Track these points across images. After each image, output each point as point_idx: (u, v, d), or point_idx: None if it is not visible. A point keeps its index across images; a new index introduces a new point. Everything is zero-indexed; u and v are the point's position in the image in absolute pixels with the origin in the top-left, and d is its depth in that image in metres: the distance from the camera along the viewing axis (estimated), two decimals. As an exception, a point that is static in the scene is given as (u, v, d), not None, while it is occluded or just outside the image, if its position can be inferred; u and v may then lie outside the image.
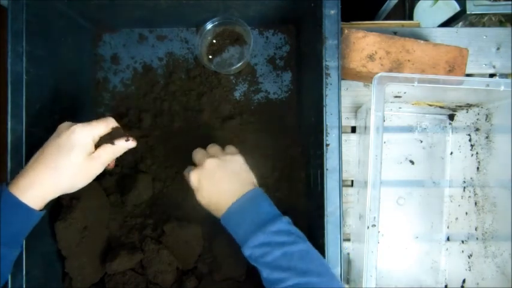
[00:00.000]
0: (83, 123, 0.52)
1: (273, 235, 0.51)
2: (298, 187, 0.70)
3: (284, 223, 0.53)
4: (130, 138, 0.55)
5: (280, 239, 0.51)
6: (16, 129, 0.55)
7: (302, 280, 0.49)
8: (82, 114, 0.71)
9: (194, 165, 0.59)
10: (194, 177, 0.56)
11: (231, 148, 0.60)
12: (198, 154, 0.59)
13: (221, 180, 0.55)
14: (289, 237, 0.52)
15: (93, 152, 0.52)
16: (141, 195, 0.67)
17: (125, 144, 0.54)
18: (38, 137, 0.57)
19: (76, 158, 0.50)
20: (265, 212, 0.54)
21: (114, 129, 0.54)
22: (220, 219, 0.55)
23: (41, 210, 0.51)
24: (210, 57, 0.74)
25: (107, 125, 0.53)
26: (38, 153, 0.51)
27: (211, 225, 0.69)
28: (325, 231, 0.55)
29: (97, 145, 0.53)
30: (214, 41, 0.74)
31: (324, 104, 0.56)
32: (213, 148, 0.59)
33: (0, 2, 0.76)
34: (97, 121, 0.53)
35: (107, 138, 0.54)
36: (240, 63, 0.70)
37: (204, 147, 0.72)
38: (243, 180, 0.56)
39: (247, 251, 0.52)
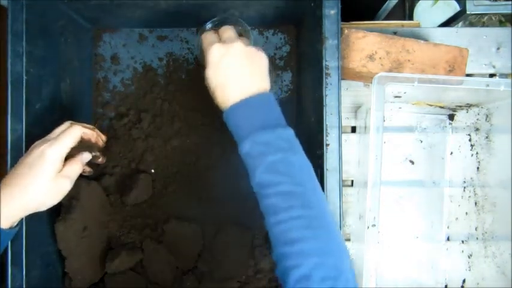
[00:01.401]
0: (51, 141, 0.52)
1: (279, 139, 0.49)
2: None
3: (291, 132, 0.50)
4: (97, 148, 0.59)
5: (285, 145, 0.49)
6: (16, 129, 0.55)
7: (298, 189, 0.47)
8: (82, 114, 0.71)
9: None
10: (217, 51, 0.52)
11: (260, 48, 0.56)
12: (227, 31, 0.55)
13: (245, 67, 0.52)
14: (294, 147, 0.50)
15: (61, 170, 0.52)
16: (141, 195, 0.67)
17: (89, 157, 0.56)
18: (38, 137, 0.57)
19: (44, 177, 0.50)
20: (277, 117, 0.51)
21: (82, 140, 0.56)
22: (226, 109, 0.51)
23: (11, 228, 0.51)
24: (210, 57, 0.74)
25: (73, 138, 0.54)
26: (8, 173, 0.51)
27: (212, 225, 0.69)
28: (325, 231, 0.55)
29: (67, 157, 0.54)
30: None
31: (324, 104, 0.56)
32: (242, 37, 0.56)
33: (0, 2, 0.76)
34: (63, 136, 0.53)
35: (75, 149, 0.55)
36: (240, 63, 0.70)
37: (204, 147, 0.71)
38: (263, 80, 0.53)
39: (247, 145, 0.48)
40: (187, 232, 0.66)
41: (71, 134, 0.54)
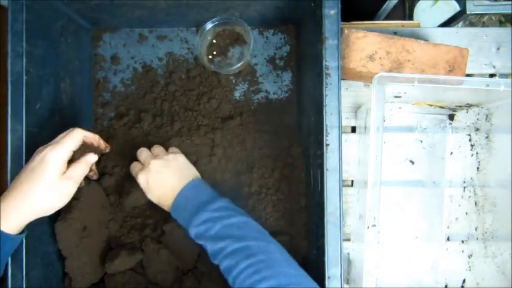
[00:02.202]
0: (52, 145, 0.53)
1: (213, 212, 0.56)
2: (298, 187, 0.70)
3: (223, 201, 0.58)
4: (101, 148, 0.62)
5: (220, 214, 0.56)
6: (16, 129, 0.55)
7: (239, 245, 0.53)
8: (82, 114, 0.71)
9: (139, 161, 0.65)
10: (142, 179, 0.61)
11: (173, 148, 0.67)
12: (142, 154, 0.64)
13: (166, 177, 0.61)
14: (228, 212, 0.57)
15: (65, 172, 0.54)
16: (139, 199, 0.67)
17: (95, 158, 0.58)
18: (38, 137, 0.57)
19: (47, 180, 0.52)
20: (206, 194, 0.59)
21: (84, 143, 0.58)
22: (170, 212, 0.60)
23: (19, 233, 0.52)
24: (210, 57, 0.74)
25: (74, 141, 0.55)
26: (14, 179, 0.53)
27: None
28: (325, 231, 0.55)
29: (70, 160, 0.55)
30: (214, 41, 0.74)
31: (324, 104, 0.56)
32: (157, 149, 0.65)
33: (0, 2, 0.76)
34: (64, 139, 0.54)
35: (78, 153, 0.56)
36: (240, 63, 0.70)
37: (204, 147, 0.72)
38: (186, 174, 0.62)
39: (193, 231, 0.56)
40: (182, 236, 0.65)
41: (72, 136, 0.55)
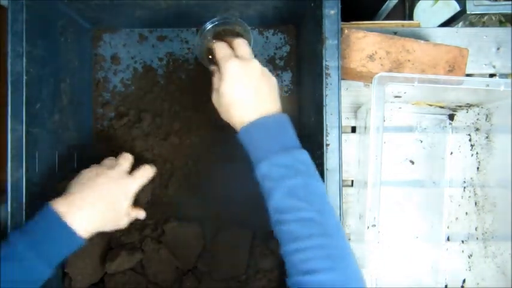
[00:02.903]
0: (133, 179, 0.59)
1: (298, 162, 0.48)
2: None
3: (308, 155, 0.50)
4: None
5: (304, 168, 0.48)
6: (16, 129, 0.55)
7: (317, 217, 0.45)
8: (82, 114, 0.71)
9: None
10: (235, 65, 0.51)
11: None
12: (243, 47, 0.55)
13: (263, 85, 0.51)
14: (312, 170, 0.49)
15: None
16: (139, 200, 0.66)
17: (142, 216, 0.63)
18: (38, 137, 0.57)
19: (126, 204, 0.57)
20: (293, 139, 0.51)
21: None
22: (242, 127, 0.50)
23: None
24: (210, 57, 0.74)
25: (147, 179, 0.60)
26: (91, 186, 0.54)
27: (211, 225, 0.69)
28: (325, 231, 0.55)
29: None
30: (214, 41, 0.74)
31: (324, 104, 0.56)
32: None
33: (0, 2, 0.76)
34: (142, 176, 0.59)
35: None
36: (240, 63, 0.70)
37: (205, 147, 0.71)
38: (277, 101, 0.53)
39: (265, 167, 0.47)
40: (187, 232, 0.66)
41: (147, 175, 0.60)
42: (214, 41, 0.57)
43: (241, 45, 0.55)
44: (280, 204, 0.46)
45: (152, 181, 0.63)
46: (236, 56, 0.53)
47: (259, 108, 0.50)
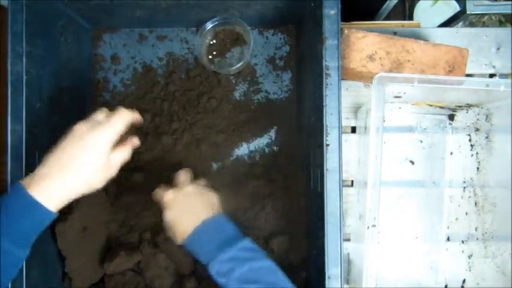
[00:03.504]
0: (103, 125, 0.52)
1: (240, 251, 0.54)
2: (298, 187, 0.70)
3: (249, 242, 0.55)
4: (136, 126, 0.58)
5: (247, 255, 0.54)
6: (16, 129, 0.55)
7: None
8: (82, 115, 0.70)
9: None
10: (170, 196, 0.59)
11: (202, 180, 0.64)
12: (182, 176, 0.62)
13: (195, 205, 0.59)
14: (256, 254, 0.55)
15: (110, 154, 0.53)
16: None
17: (139, 143, 0.58)
18: (38, 137, 0.57)
19: (98, 161, 0.51)
20: (231, 231, 0.57)
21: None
22: (186, 240, 0.56)
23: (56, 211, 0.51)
24: (210, 57, 0.74)
25: (124, 123, 0.54)
26: (55, 154, 0.51)
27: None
28: (325, 231, 0.55)
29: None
30: (214, 41, 0.74)
31: (324, 104, 0.56)
32: (199, 181, 0.64)
33: (0, 2, 0.76)
34: (114, 121, 0.53)
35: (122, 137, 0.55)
36: (240, 64, 0.70)
37: (204, 147, 0.72)
38: (212, 210, 0.59)
39: (215, 267, 0.53)
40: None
41: (122, 118, 0.54)
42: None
43: (179, 175, 0.62)
44: None
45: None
46: (176, 188, 0.60)
47: (197, 219, 0.56)
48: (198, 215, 0.57)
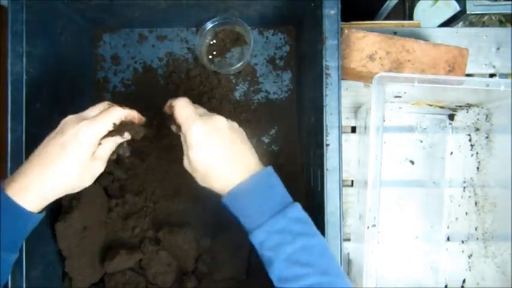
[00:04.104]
0: (88, 120, 0.48)
1: (292, 221, 0.45)
2: (298, 187, 0.70)
3: (300, 208, 0.47)
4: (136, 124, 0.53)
5: (300, 228, 0.45)
6: (16, 129, 0.55)
7: (323, 279, 0.43)
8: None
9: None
10: (199, 129, 0.47)
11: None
12: (198, 108, 0.51)
13: (235, 141, 0.48)
14: (308, 227, 0.47)
15: (95, 151, 0.48)
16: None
17: (127, 138, 0.52)
18: (38, 137, 0.57)
19: (81, 159, 0.47)
20: (283, 194, 0.48)
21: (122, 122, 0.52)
22: (226, 195, 0.47)
23: (40, 212, 0.48)
24: (210, 57, 0.74)
25: (112, 121, 0.49)
26: (37, 150, 0.47)
27: (211, 226, 0.69)
28: (325, 231, 0.55)
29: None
30: (214, 41, 0.74)
31: (324, 104, 0.56)
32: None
33: (0, 2, 0.76)
34: (102, 117, 0.49)
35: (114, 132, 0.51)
36: (240, 63, 0.70)
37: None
38: (254, 154, 0.49)
39: (260, 236, 0.45)
40: (178, 237, 0.65)
41: (110, 115, 0.49)
42: (173, 100, 0.52)
43: (197, 107, 0.52)
44: (282, 273, 0.44)
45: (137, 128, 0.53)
46: (198, 115, 0.49)
47: (240, 169, 0.47)
48: (241, 161, 0.47)
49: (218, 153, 0.47)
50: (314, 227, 0.47)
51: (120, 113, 0.50)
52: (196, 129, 0.47)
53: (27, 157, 0.55)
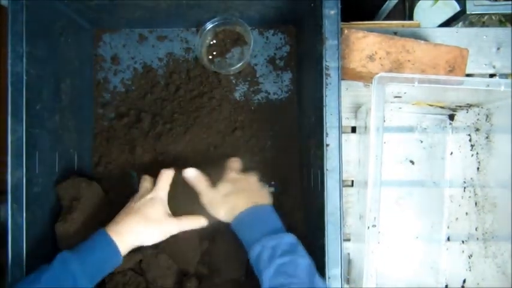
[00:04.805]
0: (159, 186, 0.61)
1: (285, 242, 0.55)
2: (298, 187, 0.70)
3: (293, 238, 0.56)
4: None
5: (291, 248, 0.54)
6: (16, 129, 0.55)
7: None
8: (82, 115, 0.71)
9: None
10: (234, 175, 0.63)
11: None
12: (236, 163, 0.66)
13: (253, 189, 0.62)
14: (298, 249, 0.55)
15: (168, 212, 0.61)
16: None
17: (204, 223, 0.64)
18: (38, 137, 0.57)
19: (160, 212, 0.59)
20: (278, 224, 0.59)
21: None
22: (237, 216, 0.59)
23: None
24: (210, 57, 0.74)
25: (168, 179, 0.62)
26: (131, 207, 0.59)
27: (211, 226, 0.69)
28: (325, 231, 0.55)
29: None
30: (214, 41, 0.74)
31: (324, 104, 0.56)
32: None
33: (0, 2, 0.76)
34: (163, 181, 0.62)
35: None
36: (240, 64, 0.70)
37: (204, 147, 0.72)
38: (263, 197, 0.62)
39: (257, 248, 0.54)
40: (180, 240, 0.65)
41: (165, 176, 0.62)
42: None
43: (233, 162, 0.66)
44: (271, 283, 0.52)
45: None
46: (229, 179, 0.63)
47: (249, 201, 0.60)
48: (254, 197, 0.60)
49: (235, 189, 0.62)
50: (304, 251, 0.55)
51: (171, 173, 0.63)
52: (231, 174, 0.64)
53: (27, 157, 0.55)
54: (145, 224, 0.58)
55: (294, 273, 0.52)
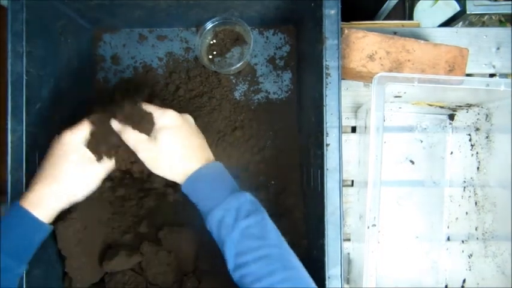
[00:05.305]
0: (70, 127, 0.53)
1: (247, 202, 0.50)
2: (298, 187, 0.70)
3: (250, 195, 0.52)
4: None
5: (253, 207, 0.50)
6: (16, 129, 0.55)
7: (274, 251, 0.48)
8: (82, 115, 0.70)
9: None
10: (175, 115, 0.52)
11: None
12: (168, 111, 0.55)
13: (197, 137, 0.54)
14: (259, 208, 0.51)
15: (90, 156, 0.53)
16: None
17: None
18: (38, 137, 0.57)
19: (72, 163, 0.52)
20: (234, 183, 0.53)
21: (100, 126, 0.54)
22: (188, 179, 0.51)
23: (50, 223, 0.52)
24: (210, 57, 0.74)
25: (90, 121, 0.54)
26: (39, 167, 0.53)
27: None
28: (325, 231, 0.55)
29: (95, 148, 0.54)
30: (214, 41, 0.74)
31: (324, 104, 0.56)
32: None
33: (0, 2, 0.76)
34: (81, 122, 0.54)
35: (102, 138, 0.54)
36: (240, 63, 0.70)
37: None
38: (208, 148, 0.55)
39: (218, 213, 0.49)
40: (179, 238, 0.65)
41: (89, 117, 0.54)
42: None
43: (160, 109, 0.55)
44: (238, 247, 0.48)
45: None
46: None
47: (198, 159, 0.52)
48: (204, 150, 0.53)
49: (186, 143, 0.52)
50: (263, 209, 0.52)
51: (97, 115, 0.55)
52: (173, 115, 0.52)
53: (27, 157, 0.55)
54: (59, 181, 0.51)
55: (261, 235, 0.48)
